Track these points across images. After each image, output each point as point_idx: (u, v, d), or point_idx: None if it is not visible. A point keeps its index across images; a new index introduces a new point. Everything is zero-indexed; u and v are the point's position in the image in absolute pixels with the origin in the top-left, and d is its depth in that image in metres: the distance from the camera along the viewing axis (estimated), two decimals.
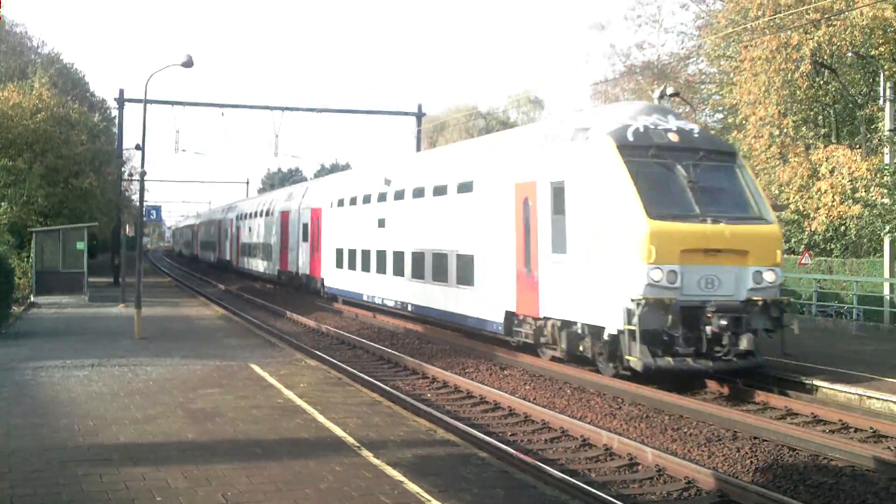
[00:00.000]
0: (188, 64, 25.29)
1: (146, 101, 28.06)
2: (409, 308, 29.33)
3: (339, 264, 36.90)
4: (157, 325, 27.21)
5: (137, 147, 49.16)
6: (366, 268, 33.42)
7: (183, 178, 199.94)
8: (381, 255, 31.60)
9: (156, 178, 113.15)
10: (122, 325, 26.96)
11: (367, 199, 33.82)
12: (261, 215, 54.57)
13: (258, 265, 54.38)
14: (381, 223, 31.78)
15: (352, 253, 35.23)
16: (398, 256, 30.06)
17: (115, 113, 54.50)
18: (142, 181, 30.03)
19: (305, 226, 42.84)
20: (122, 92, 49.57)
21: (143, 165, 29.73)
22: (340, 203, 37.33)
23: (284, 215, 47.66)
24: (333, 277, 38.11)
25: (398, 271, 30.07)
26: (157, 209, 35.67)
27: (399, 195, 30.36)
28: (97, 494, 9.56)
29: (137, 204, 36.99)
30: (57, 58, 57.21)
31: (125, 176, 58.37)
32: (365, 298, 33.63)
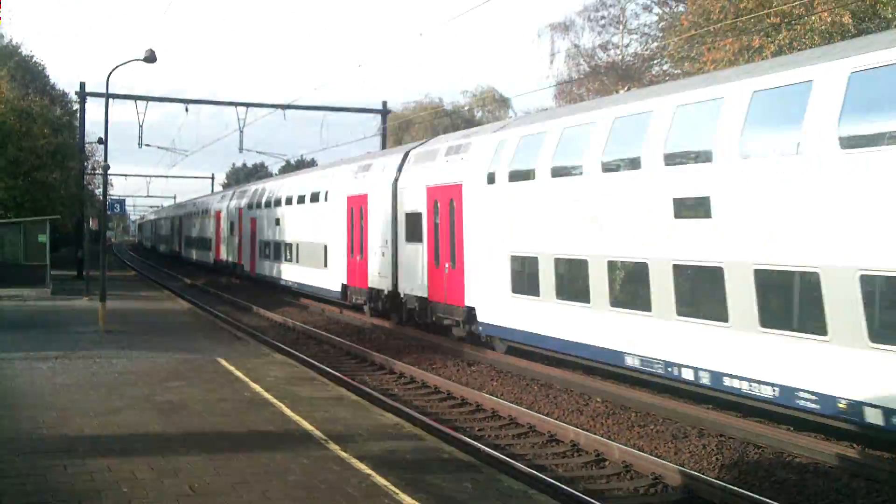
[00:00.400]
0: (151, 59, 25.00)
1: (108, 96, 27.78)
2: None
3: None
4: (123, 318, 26.96)
5: (100, 141, 48.68)
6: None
7: (147, 173, 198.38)
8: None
9: (119, 173, 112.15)
10: (86, 318, 26.68)
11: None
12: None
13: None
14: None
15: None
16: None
17: (76, 106, 53.91)
18: (105, 175, 29.76)
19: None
20: (83, 85, 48.90)
21: (105, 159, 29.47)
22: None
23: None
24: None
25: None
26: (122, 203, 35.37)
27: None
28: (62, 486, 9.46)
29: (101, 198, 36.60)
30: (16, 50, 56.47)
31: (88, 170, 57.75)
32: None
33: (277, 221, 41.20)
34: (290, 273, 39.03)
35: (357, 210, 30.60)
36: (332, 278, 33.16)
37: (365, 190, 30.04)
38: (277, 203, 41.65)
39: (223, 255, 56.17)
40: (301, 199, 37.91)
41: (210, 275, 58.62)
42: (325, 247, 33.85)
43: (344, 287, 32.02)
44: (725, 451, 13.48)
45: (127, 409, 13.71)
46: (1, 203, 38.53)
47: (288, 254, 39.50)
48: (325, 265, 33.88)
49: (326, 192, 34.38)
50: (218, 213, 58.31)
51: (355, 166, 32.26)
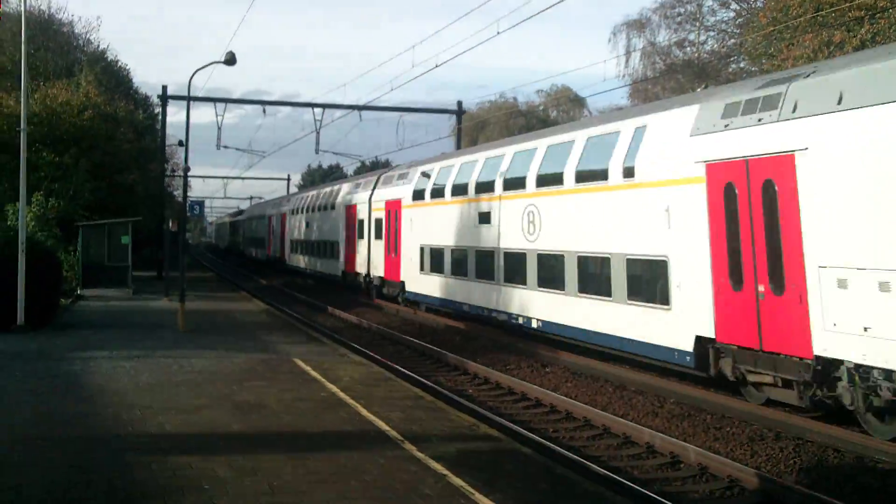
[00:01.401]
0: (231, 62, 25.53)
1: (190, 98, 28.38)
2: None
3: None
4: (201, 318, 27.52)
5: (180, 143, 49.73)
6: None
7: (224, 174, 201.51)
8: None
9: (198, 175, 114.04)
10: (166, 318, 27.31)
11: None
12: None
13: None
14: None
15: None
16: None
17: (158, 109, 55.12)
18: (185, 177, 30.39)
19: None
20: (164, 88, 50.03)
21: (186, 161, 30.07)
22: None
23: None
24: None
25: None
26: (200, 204, 35.88)
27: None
28: (147, 482, 9.73)
29: (180, 199, 37.36)
30: (102, 55, 57.90)
31: (168, 171, 58.99)
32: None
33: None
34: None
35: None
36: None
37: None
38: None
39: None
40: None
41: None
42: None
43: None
44: (803, 455, 13.27)
45: (207, 407, 14.01)
46: (86, 205, 39.49)
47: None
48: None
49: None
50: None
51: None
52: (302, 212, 55.84)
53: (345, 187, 46.03)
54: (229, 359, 19.45)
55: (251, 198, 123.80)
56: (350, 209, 42.57)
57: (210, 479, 9.85)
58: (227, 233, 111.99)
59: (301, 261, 55.55)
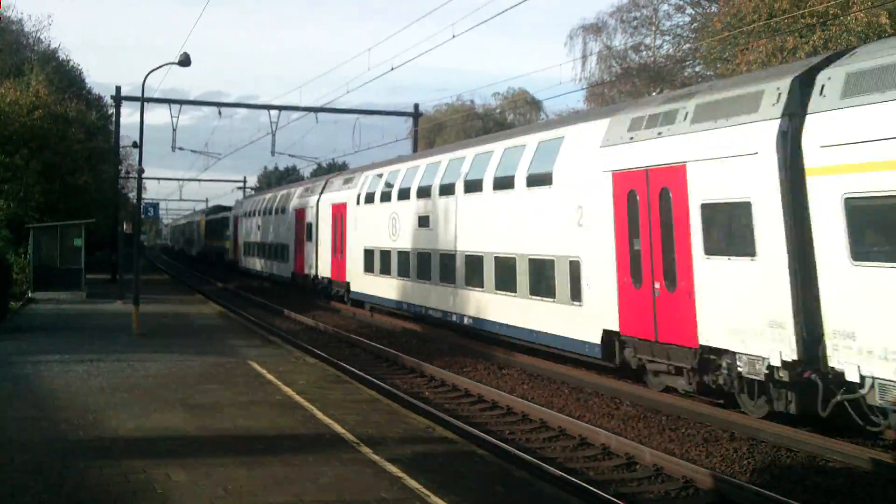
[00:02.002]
0: (185, 63, 25.25)
1: (143, 99, 28.07)
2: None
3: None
4: (156, 321, 27.20)
5: (135, 145, 49.16)
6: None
7: (180, 177, 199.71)
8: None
9: (153, 177, 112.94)
10: (120, 322, 26.97)
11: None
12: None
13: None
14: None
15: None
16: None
17: (111, 110, 54.43)
18: (139, 178, 30.06)
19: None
20: (118, 89, 49.47)
21: (140, 163, 29.73)
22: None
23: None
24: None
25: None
26: (155, 206, 35.58)
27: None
28: (98, 487, 9.60)
29: (135, 201, 36.98)
30: (53, 55, 57.01)
31: (122, 173, 58.30)
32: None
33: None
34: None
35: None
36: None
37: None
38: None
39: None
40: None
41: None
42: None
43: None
44: (757, 455, 13.42)
45: (161, 411, 13.86)
46: (37, 207, 38.89)
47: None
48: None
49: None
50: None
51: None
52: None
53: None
54: (184, 362, 19.26)
55: (206, 200, 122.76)
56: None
57: (163, 483, 9.74)
58: (180, 235, 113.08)
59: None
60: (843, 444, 13.28)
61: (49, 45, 58.29)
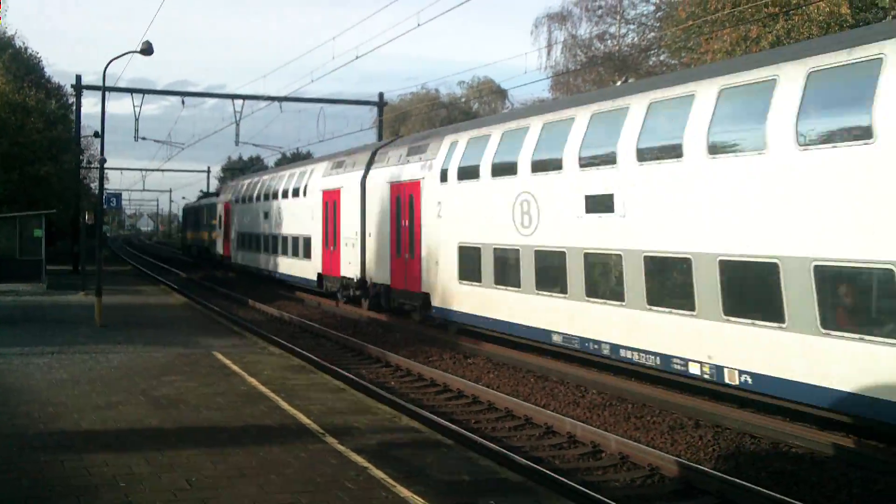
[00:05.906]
0: (148, 51, 24.96)
1: (105, 89, 27.78)
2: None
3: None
4: (119, 312, 26.94)
5: (96, 134, 48.51)
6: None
7: (143, 167, 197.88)
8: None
9: (115, 167, 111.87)
10: (82, 313, 26.67)
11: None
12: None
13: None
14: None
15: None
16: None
17: (72, 100, 53.69)
18: (101, 169, 29.69)
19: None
20: (79, 78, 48.76)
21: (102, 153, 29.36)
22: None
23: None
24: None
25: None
26: (118, 197, 35.04)
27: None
28: (59, 481, 9.46)
29: (97, 192, 36.48)
30: (9, 42, 56.02)
31: (84, 164, 57.53)
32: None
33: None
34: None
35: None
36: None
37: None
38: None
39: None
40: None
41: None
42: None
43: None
44: (721, 442, 13.52)
45: (123, 403, 13.71)
46: None
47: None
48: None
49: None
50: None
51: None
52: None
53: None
54: (147, 354, 19.09)
55: (170, 190, 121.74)
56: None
57: (126, 477, 9.62)
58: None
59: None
60: (806, 430, 13.42)
61: (5, 32, 57.31)
